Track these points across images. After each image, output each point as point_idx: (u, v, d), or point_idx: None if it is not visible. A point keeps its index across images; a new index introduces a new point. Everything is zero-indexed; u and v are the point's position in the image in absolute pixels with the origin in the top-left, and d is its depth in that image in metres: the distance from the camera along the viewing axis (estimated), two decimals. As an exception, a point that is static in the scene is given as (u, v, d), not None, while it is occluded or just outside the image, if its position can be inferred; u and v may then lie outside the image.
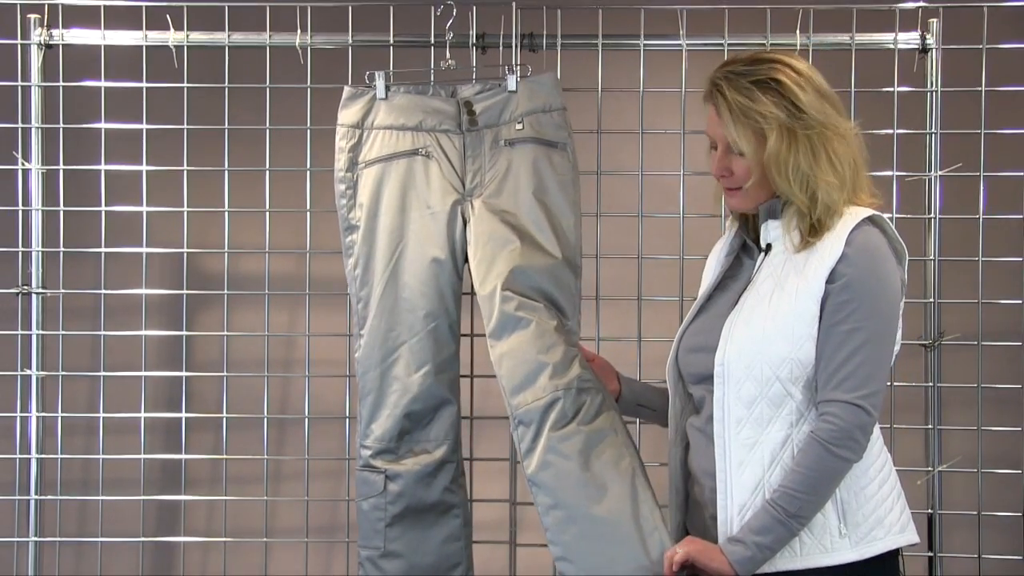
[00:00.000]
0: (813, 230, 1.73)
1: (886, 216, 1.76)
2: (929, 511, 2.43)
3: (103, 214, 2.49)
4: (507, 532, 2.45)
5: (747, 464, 1.72)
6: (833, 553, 1.70)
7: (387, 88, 2.21)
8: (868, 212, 1.73)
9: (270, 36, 2.44)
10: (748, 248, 1.88)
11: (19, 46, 2.47)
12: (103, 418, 2.54)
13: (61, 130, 2.49)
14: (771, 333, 1.71)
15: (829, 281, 1.68)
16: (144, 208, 2.49)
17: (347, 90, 2.22)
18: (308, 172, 2.49)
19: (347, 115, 2.21)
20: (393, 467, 2.15)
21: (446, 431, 2.18)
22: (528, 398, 2.00)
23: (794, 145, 1.71)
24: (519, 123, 2.17)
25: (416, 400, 2.14)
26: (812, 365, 1.70)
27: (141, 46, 2.45)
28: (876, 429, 1.75)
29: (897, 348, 1.75)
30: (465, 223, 2.16)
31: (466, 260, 2.17)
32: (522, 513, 2.48)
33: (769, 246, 1.80)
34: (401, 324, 2.16)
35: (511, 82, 2.19)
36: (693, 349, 1.84)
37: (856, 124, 1.78)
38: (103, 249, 2.49)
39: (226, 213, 2.48)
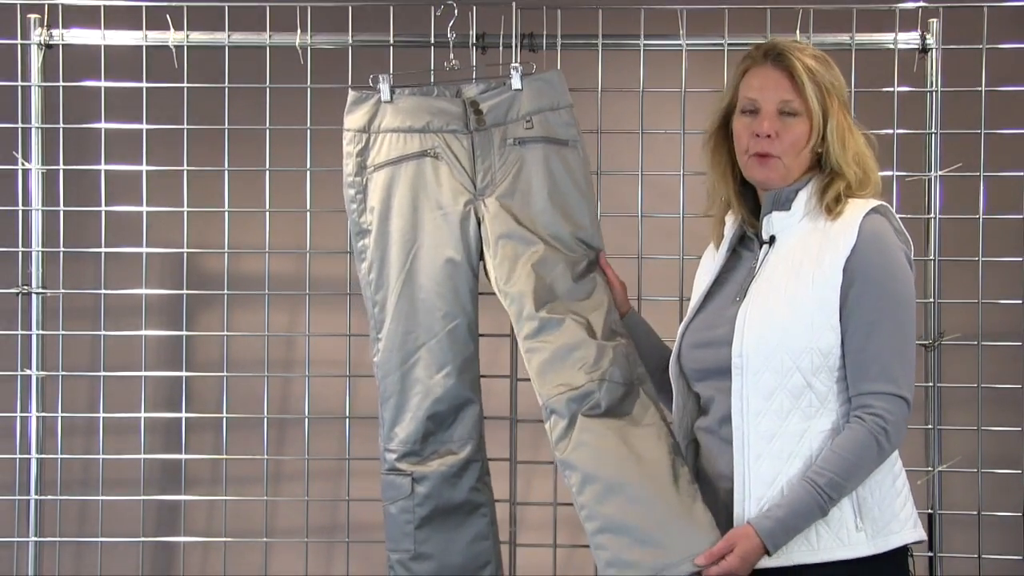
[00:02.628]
0: (837, 201, 1.76)
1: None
2: (929, 511, 2.43)
3: (103, 214, 2.49)
4: (506, 532, 2.45)
5: (765, 456, 1.72)
6: (849, 546, 1.71)
7: (391, 91, 2.20)
8: (875, 202, 1.76)
9: (270, 36, 2.44)
10: (746, 242, 1.89)
11: (19, 46, 2.46)
12: (103, 418, 2.54)
13: (61, 130, 2.49)
14: (791, 323, 1.72)
15: (845, 271, 1.70)
16: (144, 208, 2.48)
17: (352, 94, 2.21)
18: (308, 172, 2.48)
19: (353, 119, 2.20)
20: (419, 469, 2.15)
21: (470, 431, 2.17)
22: (562, 388, 1.98)
23: (845, 117, 1.79)
24: (527, 122, 2.17)
25: (439, 401, 2.14)
26: (831, 355, 1.72)
27: (141, 46, 2.45)
28: None
29: None
30: (479, 222, 2.16)
31: (481, 259, 2.16)
32: (522, 513, 2.48)
33: (773, 238, 1.80)
34: (419, 326, 2.15)
35: (516, 80, 2.19)
36: (699, 345, 1.84)
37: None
38: (103, 249, 2.49)
39: (226, 213, 2.48)
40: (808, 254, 1.74)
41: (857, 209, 1.74)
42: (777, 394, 1.72)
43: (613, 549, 1.80)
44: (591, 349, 2.01)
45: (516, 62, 2.25)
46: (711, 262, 1.93)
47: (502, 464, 2.43)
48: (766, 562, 1.72)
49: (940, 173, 2.42)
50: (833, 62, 1.82)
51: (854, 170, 1.77)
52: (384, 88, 2.20)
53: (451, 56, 2.29)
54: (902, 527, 1.74)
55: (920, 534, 1.78)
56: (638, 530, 1.79)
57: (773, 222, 1.80)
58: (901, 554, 1.75)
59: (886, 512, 1.73)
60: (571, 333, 2.03)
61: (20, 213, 2.48)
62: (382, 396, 2.17)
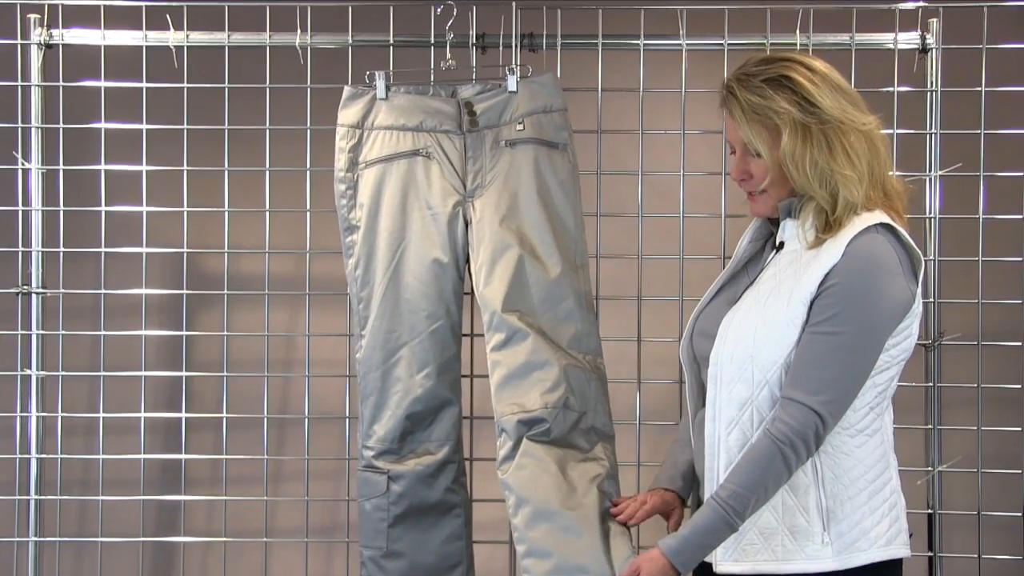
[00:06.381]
0: (828, 227, 1.71)
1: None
2: (929, 511, 2.43)
3: (103, 214, 2.49)
4: (507, 532, 2.45)
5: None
6: (813, 560, 1.69)
7: (387, 88, 2.21)
8: (880, 218, 1.70)
9: (270, 36, 2.44)
10: (773, 239, 1.86)
11: (19, 46, 2.46)
12: (103, 418, 2.54)
13: (61, 130, 2.49)
14: (762, 337, 1.70)
15: (820, 284, 1.67)
16: (144, 208, 2.49)
17: (347, 90, 2.22)
18: (308, 172, 2.48)
19: (347, 115, 2.21)
20: (395, 468, 2.16)
21: (448, 431, 2.18)
22: (515, 409, 2.04)
23: (809, 140, 1.70)
24: (520, 124, 2.18)
25: (418, 401, 2.15)
26: None
27: (141, 46, 2.45)
28: (882, 437, 1.74)
29: (907, 356, 1.73)
30: (467, 224, 2.16)
31: (467, 261, 2.17)
32: (522, 513, 2.47)
33: (782, 244, 1.79)
34: (402, 325, 2.16)
35: (511, 82, 2.19)
36: (704, 333, 1.82)
37: (877, 118, 1.75)
38: (103, 249, 2.49)
39: (226, 213, 2.48)
40: (797, 268, 1.71)
41: (855, 226, 1.68)
42: (748, 406, 1.70)
43: (536, 573, 1.91)
44: (551, 371, 2.04)
45: (514, 63, 2.25)
46: (743, 246, 1.89)
47: (502, 464, 2.43)
48: (731, 568, 1.70)
49: (940, 173, 2.42)
50: (787, 83, 1.71)
51: (821, 194, 1.71)
52: (380, 85, 2.20)
53: (448, 56, 2.29)
54: (871, 545, 1.69)
55: (893, 553, 1.72)
56: (560, 558, 1.89)
57: (786, 228, 1.78)
58: (871, 572, 1.70)
59: (855, 528, 1.69)
60: (534, 350, 2.06)
61: (20, 213, 2.48)
62: (362, 393, 2.19)
